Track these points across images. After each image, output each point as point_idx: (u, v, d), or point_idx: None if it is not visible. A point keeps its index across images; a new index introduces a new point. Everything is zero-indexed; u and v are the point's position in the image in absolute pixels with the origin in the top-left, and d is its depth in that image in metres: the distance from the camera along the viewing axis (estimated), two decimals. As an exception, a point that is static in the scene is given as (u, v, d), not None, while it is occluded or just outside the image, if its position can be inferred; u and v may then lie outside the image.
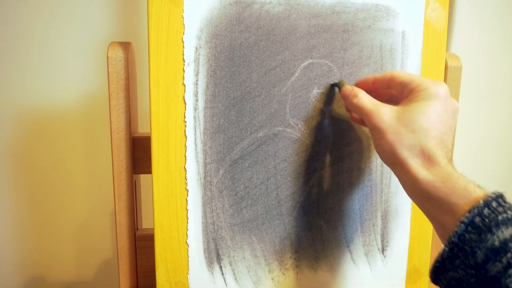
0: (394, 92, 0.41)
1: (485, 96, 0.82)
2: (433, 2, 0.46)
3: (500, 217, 0.29)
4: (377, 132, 0.36)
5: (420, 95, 0.35)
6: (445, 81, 0.52)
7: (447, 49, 0.76)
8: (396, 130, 0.34)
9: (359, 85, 0.42)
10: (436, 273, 0.32)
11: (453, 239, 0.30)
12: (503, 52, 0.80)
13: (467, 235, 0.29)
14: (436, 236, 0.57)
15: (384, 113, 0.36)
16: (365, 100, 0.38)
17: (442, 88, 0.35)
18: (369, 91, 0.41)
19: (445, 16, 0.47)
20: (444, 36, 0.47)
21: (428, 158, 0.33)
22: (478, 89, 0.81)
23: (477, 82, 0.80)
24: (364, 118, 0.37)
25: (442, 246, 0.31)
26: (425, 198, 0.33)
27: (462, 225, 0.29)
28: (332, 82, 0.44)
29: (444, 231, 0.32)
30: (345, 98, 0.40)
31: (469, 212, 0.30)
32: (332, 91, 0.45)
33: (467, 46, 0.78)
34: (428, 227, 0.50)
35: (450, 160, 0.34)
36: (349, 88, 0.40)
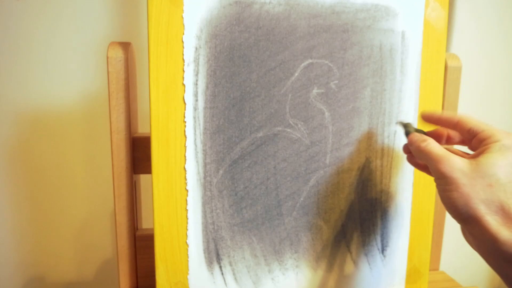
0: (454, 135, 0.39)
1: (485, 96, 0.82)
2: (433, 2, 0.46)
3: None
4: (447, 182, 0.33)
5: (493, 147, 0.33)
6: (445, 81, 0.52)
7: (447, 49, 0.76)
8: (470, 182, 0.32)
9: (426, 118, 0.40)
10: None
11: None
12: (502, 52, 0.80)
13: None
14: (436, 236, 0.57)
15: (456, 162, 0.33)
16: (434, 145, 0.35)
17: None
18: (435, 135, 0.39)
19: (445, 16, 0.47)
20: (444, 36, 0.47)
21: (509, 216, 0.30)
22: (478, 89, 0.81)
23: (477, 82, 0.80)
24: (431, 164, 0.35)
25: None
26: (505, 260, 0.30)
27: None
28: (399, 121, 0.44)
29: None
30: (413, 143, 0.38)
31: None
32: (333, 91, 0.45)
33: (467, 46, 0.78)
34: (428, 227, 0.50)
35: None
36: (417, 134, 0.38)
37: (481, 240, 0.32)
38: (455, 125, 0.37)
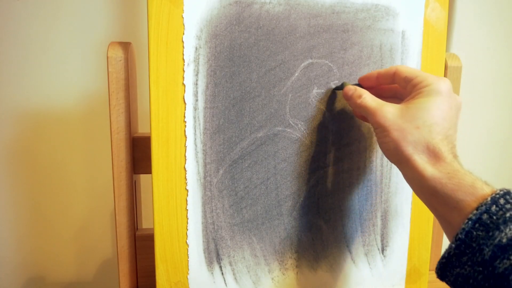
0: (398, 87, 0.41)
1: (485, 96, 0.82)
2: (433, 2, 0.46)
3: (507, 214, 0.28)
4: (381, 130, 0.36)
5: (424, 91, 0.35)
6: (445, 81, 0.52)
7: (447, 49, 0.76)
8: (400, 127, 0.34)
9: (363, 80, 0.42)
10: (443, 269, 0.32)
11: (460, 236, 0.30)
12: (503, 52, 0.80)
13: (474, 232, 0.29)
14: (436, 236, 0.57)
15: (387, 111, 0.36)
16: (368, 99, 0.38)
17: (445, 84, 0.35)
18: (372, 87, 0.41)
19: (445, 16, 0.47)
20: (444, 36, 0.47)
21: (433, 154, 0.33)
22: (478, 89, 0.81)
23: (477, 82, 0.80)
24: (368, 117, 0.38)
25: (449, 242, 0.31)
26: (431, 194, 0.33)
27: (470, 222, 0.29)
28: (334, 87, 0.44)
29: (451, 228, 0.32)
30: (348, 98, 0.40)
31: (477, 209, 0.29)
32: (333, 92, 0.45)
33: (467, 46, 0.78)
34: (428, 227, 0.50)
35: (456, 156, 0.34)
36: (352, 88, 0.40)
37: (411, 178, 0.35)
38: (392, 76, 0.39)
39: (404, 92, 0.38)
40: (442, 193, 0.32)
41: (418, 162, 0.33)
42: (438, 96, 0.35)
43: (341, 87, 0.43)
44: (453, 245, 0.30)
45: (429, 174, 0.33)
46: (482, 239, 0.29)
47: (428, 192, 0.33)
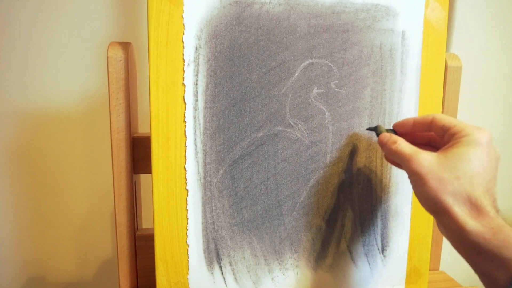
0: (433, 135, 0.40)
1: (485, 96, 0.82)
2: (433, 2, 0.46)
3: None
4: (418, 178, 0.34)
5: (463, 141, 0.34)
6: (445, 81, 0.52)
7: (447, 49, 0.76)
8: (438, 176, 0.33)
9: (398, 126, 0.41)
10: None
11: None
12: (503, 52, 0.80)
13: None
14: (436, 236, 0.57)
15: (424, 159, 0.34)
16: (404, 146, 0.37)
17: (485, 135, 0.34)
18: (407, 133, 0.40)
19: (445, 16, 0.47)
20: (444, 36, 0.47)
21: (475, 207, 0.32)
22: (478, 89, 0.81)
23: (477, 82, 0.80)
24: (403, 164, 0.36)
25: None
26: (473, 250, 0.31)
27: None
28: (368, 127, 0.45)
29: (495, 287, 0.30)
30: (383, 144, 0.39)
31: None
32: (333, 91, 0.44)
33: (467, 46, 0.78)
34: (428, 227, 0.50)
35: (498, 210, 0.32)
36: (387, 135, 0.39)
37: (451, 230, 0.33)
38: (429, 124, 0.38)
39: (440, 141, 0.37)
40: (486, 249, 0.30)
41: (459, 214, 0.32)
42: (478, 147, 0.33)
43: (373, 128, 0.43)
44: None
45: (471, 228, 0.31)
46: None
47: (470, 247, 0.31)
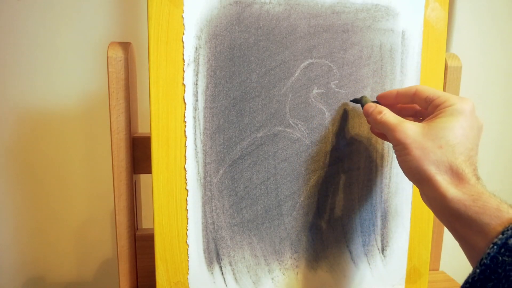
0: (417, 107, 0.40)
1: (485, 96, 0.82)
2: (433, 2, 0.46)
3: None
4: (402, 148, 0.35)
5: (446, 111, 0.35)
6: (445, 81, 0.52)
7: (447, 49, 0.76)
8: (422, 145, 0.34)
9: (381, 98, 0.42)
10: None
11: (485, 261, 0.28)
12: (502, 52, 0.80)
13: (500, 257, 0.28)
14: (436, 236, 0.57)
15: (408, 128, 0.35)
16: (389, 115, 0.37)
17: (468, 105, 0.35)
18: (391, 105, 0.40)
19: (445, 16, 0.47)
20: (444, 36, 0.47)
21: (457, 175, 0.32)
22: (477, 89, 0.81)
23: (476, 82, 0.80)
24: (387, 133, 0.37)
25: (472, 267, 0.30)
26: (454, 216, 0.32)
27: (495, 246, 0.28)
28: (352, 99, 0.45)
29: (474, 252, 0.31)
30: (368, 114, 0.40)
31: (503, 233, 0.28)
32: (333, 91, 0.45)
33: (467, 46, 0.78)
34: (428, 227, 0.50)
35: (479, 178, 0.33)
36: (372, 105, 0.40)
37: (433, 198, 0.33)
38: (412, 96, 0.39)
39: (424, 113, 0.38)
40: (466, 215, 0.31)
41: (441, 182, 0.33)
42: (461, 116, 0.34)
43: (358, 100, 0.43)
44: (478, 270, 0.29)
45: (452, 195, 0.32)
46: (508, 265, 0.28)
47: (450, 214, 0.32)
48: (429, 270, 0.51)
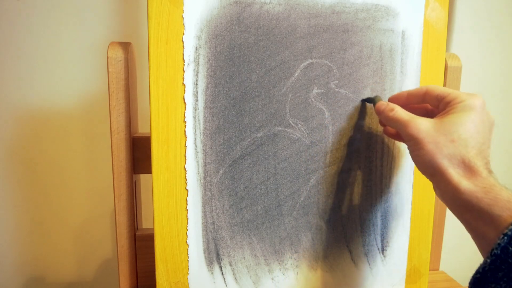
0: (428, 107, 0.41)
1: (485, 96, 0.82)
2: (433, 2, 0.46)
3: None
4: (415, 143, 0.36)
5: (457, 107, 0.35)
6: (445, 81, 0.52)
7: (447, 49, 0.76)
8: (434, 140, 0.34)
9: (393, 99, 0.42)
10: (477, 284, 0.31)
11: (496, 251, 0.29)
12: (502, 52, 0.80)
13: (510, 248, 0.29)
14: (436, 236, 0.57)
15: (420, 123, 0.36)
16: (401, 112, 0.38)
17: (478, 100, 0.35)
18: (402, 106, 0.41)
19: (445, 16, 0.47)
20: (444, 36, 0.47)
21: (469, 168, 0.33)
22: (477, 89, 0.81)
23: (476, 82, 0.80)
24: (400, 129, 0.38)
25: (484, 258, 0.31)
26: (466, 209, 0.32)
27: (506, 237, 0.29)
28: (364, 98, 0.45)
29: (485, 243, 0.31)
30: (380, 112, 0.41)
31: None
32: (333, 91, 0.45)
33: (467, 46, 0.78)
34: (428, 227, 0.50)
35: (490, 171, 0.34)
36: (384, 103, 0.41)
37: (445, 191, 0.34)
38: (423, 96, 0.39)
39: (435, 112, 0.38)
40: (478, 207, 0.31)
41: (453, 175, 0.33)
42: (472, 111, 0.35)
43: (370, 100, 0.44)
44: (488, 260, 0.30)
45: (464, 187, 0.32)
46: None
47: (462, 206, 0.33)
48: (429, 270, 0.51)
